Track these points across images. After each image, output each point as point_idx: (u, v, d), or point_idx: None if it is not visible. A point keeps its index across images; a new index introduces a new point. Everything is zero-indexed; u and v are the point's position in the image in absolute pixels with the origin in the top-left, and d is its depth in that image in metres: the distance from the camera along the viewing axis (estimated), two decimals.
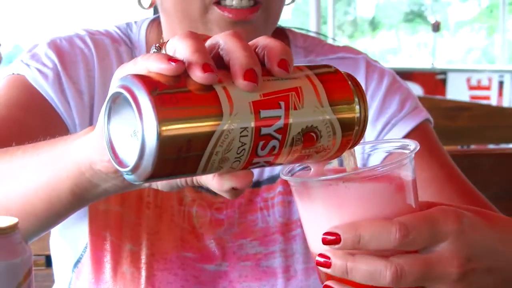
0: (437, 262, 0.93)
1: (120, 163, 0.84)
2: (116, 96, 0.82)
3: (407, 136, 1.52)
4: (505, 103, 9.78)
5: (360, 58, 1.62)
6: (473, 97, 9.91)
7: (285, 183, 1.50)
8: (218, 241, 1.43)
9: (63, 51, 1.50)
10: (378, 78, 1.59)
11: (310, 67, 0.93)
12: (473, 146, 4.94)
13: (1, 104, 1.44)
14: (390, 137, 1.53)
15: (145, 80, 0.79)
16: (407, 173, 0.99)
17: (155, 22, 1.61)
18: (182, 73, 0.82)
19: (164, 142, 0.77)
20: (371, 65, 1.61)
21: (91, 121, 1.48)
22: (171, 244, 1.46)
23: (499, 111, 5.96)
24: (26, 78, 1.46)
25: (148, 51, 1.52)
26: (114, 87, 0.82)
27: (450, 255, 0.94)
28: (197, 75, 0.79)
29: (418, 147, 0.99)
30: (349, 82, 0.94)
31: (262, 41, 0.88)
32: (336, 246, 0.91)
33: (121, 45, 1.57)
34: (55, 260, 1.61)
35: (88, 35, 1.55)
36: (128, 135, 0.80)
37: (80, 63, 1.50)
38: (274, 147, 0.87)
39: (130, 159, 0.80)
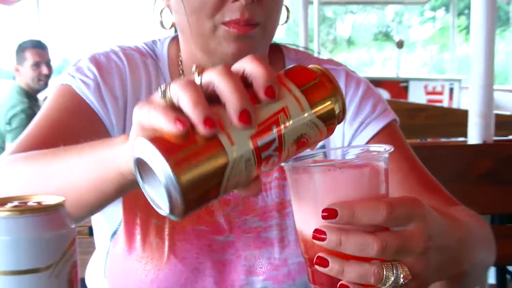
0: (410, 237, 0.94)
1: (159, 207, 0.85)
2: (140, 160, 0.83)
3: (378, 133, 1.53)
4: (455, 105, 9.83)
5: (341, 70, 1.61)
6: (429, 101, 9.97)
7: (281, 170, 1.51)
8: (227, 217, 1.44)
9: (101, 64, 1.50)
10: (355, 86, 1.58)
11: (288, 74, 0.93)
12: (429, 140, 4.93)
13: (52, 109, 1.44)
14: (365, 134, 1.54)
15: (160, 145, 0.81)
16: (385, 164, 1.01)
17: (175, 39, 1.60)
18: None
19: (185, 189, 0.80)
20: (349, 75, 1.60)
21: (124, 122, 1.49)
22: (189, 219, 1.46)
23: (450, 112, 5.99)
24: (72, 87, 1.46)
25: (169, 63, 1.57)
26: (136, 150, 0.85)
27: (418, 233, 0.95)
28: (201, 131, 0.81)
29: (393, 149, 1.00)
30: (323, 80, 0.94)
31: (249, 66, 0.88)
32: (334, 220, 0.91)
33: (147, 58, 1.57)
34: (95, 231, 1.61)
35: (121, 50, 1.55)
36: (160, 185, 0.80)
37: (115, 74, 1.50)
38: (274, 161, 0.89)
39: (165, 205, 0.82)
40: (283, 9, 1.50)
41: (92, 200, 1.13)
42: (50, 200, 0.82)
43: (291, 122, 0.88)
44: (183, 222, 1.46)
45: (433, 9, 43.49)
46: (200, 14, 1.37)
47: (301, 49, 1.72)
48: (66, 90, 1.48)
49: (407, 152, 1.55)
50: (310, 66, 0.96)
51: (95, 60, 1.51)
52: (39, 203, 0.82)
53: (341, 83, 1.56)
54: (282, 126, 0.87)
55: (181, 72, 1.57)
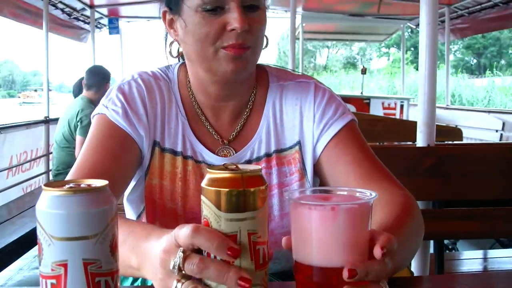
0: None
1: None
2: None
3: (340, 131, 1.53)
4: (404, 117, 9.89)
5: (311, 82, 1.61)
6: (385, 114, 10.00)
7: (268, 161, 1.54)
8: None
9: (125, 93, 1.53)
10: (321, 95, 1.58)
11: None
12: (385, 143, 4.92)
13: (95, 137, 1.48)
14: (329, 133, 1.53)
15: None
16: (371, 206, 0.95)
17: (183, 65, 1.62)
18: None
19: None
20: (317, 86, 1.60)
21: (149, 131, 1.52)
22: (196, 202, 1.47)
23: (401, 122, 6.01)
24: (106, 116, 1.50)
25: (179, 84, 1.59)
26: None
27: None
28: None
29: (376, 196, 0.95)
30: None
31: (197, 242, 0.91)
32: (355, 278, 0.89)
33: (161, 80, 1.58)
34: (126, 213, 1.63)
35: (139, 77, 1.57)
36: None
37: (137, 98, 1.52)
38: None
39: None
40: (264, 38, 1.50)
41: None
42: (97, 183, 0.81)
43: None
44: (192, 205, 1.49)
45: (388, 46, 44.18)
46: (204, 42, 1.39)
47: (281, 67, 1.72)
48: (102, 119, 1.51)
49: (364, 146, 1.55)
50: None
51: (121, 90, 1.54)
52: (89, 185, 0.80)
53: (311, 93, 1.58)
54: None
55: (189, 89, 1.58)
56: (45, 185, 0.78)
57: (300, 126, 1.56)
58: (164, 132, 1.53)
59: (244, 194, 0.88)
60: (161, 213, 1.50)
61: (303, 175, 1.55)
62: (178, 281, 0.91)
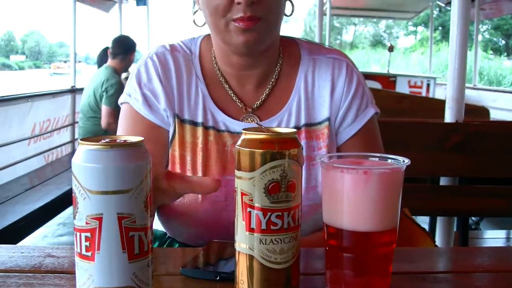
0: None
1: None
2: None
3: (363, 126, 1.57)
4: (430, 96, 9.80)
5: (344, 62, 1.60)
6: (411, 92, 9.91)
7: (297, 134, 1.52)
8: None
9: (141, 77, 1.56)
10: (353, 79, 1.58)
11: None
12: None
13: (122, 129, 1.56)
14: (353, 126, 1.57)
15: None
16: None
17: (208, 36, 1.63)
18: None
19: None
20: (349, 67, 1.59)
21: (170, 103, 1.53)
22: (217, 171, 1.49)
23: (427, 100, 5.96)
24: (130, 105, 1.54)
25: (200, 55, 1.60)
26: None
27: None
28: None
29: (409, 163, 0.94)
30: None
31: None
32: None
33: (179, 52, 1.59)
34: None
35: (155, 54, 1.58)
36: None
37: (153, 77, 1.55)
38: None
39: None
40: (288, 4, 1.51)
41: None
42: (132, 139, 0.82)
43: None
44: (213, 174, 1.49)
45: (415, 25, 43.60)
46: (215, 15, 1.41)
47: (311, 41, 1.69)
48: (127, 108, 1.56)
49: (379, 145, 1.61)
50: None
51: (138, 75, 1.56)
52: (125, 141, 0.81)
53: (343, 73, 1.57)
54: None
55: (213, 59, 1.58)
56: (81, 139, 0.79)
57: (330, 103, 1.55)
58: (182, 103, 1.54)
59: (279, 155, 0.88)
60: None
61: (330, 151, 1.55)
62: None
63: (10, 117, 6.07)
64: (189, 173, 1.49)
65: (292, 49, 1.62)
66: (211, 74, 1.57)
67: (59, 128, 7.58)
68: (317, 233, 1.47)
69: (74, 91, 7.83)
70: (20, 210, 4.57)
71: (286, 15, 1.53)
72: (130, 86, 1.56)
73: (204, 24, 1.54)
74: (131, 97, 1.54)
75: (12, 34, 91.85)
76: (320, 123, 1.55)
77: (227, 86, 1.56)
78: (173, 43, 1.63)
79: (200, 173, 1.49)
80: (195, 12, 1.56)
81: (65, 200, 5.30)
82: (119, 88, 5.81)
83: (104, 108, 5.79)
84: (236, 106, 1.55)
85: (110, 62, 6.11)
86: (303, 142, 1.52)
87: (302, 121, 1.54)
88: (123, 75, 6.24)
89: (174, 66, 1.56)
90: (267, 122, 1.53)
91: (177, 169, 1.51)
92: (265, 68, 1.56)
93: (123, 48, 6.13)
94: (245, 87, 1.57)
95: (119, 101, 1.60)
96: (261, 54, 1.51)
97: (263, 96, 1.56)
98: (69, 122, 7.84)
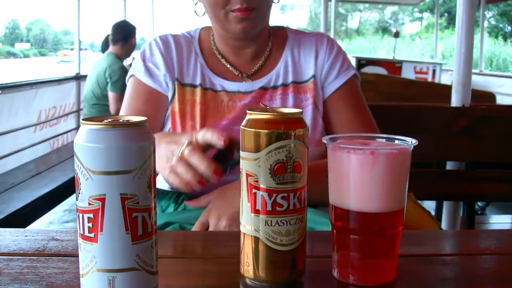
0: None
1: None
2: None
3: (345, 83, 1.82)
4: (436, 82, 9.77)
5: (325, 35, 1.91)
6: (417, 78, 9.88)
7: (285, 89, 1.79)
8: (241, 116, 1.44)
9: (145, 52, 1.84)
10: (333, 45, 1.87)
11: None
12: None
13: (130, 98, 1.81)
14: (336, 82, 1.82)
15: None
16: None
17: (208, 27, 1.90)
18: None
19: None
20: (330, 38, 1.89)
21: (171, 75, 1.79)
22: (214, 119, 1.72)
23: (433, 85, 5.95)
24: (135, 76, 1.82)
25: (199, 39, 1.88)
26: None
27: None
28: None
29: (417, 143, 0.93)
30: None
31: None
32: None
33: (181, 37, 1.87)
34: None
35: (158, 37, 1.86)
36: None
37: (155, 52, 1.82)
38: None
39: None
40: None
41: None
42: (135, 119, 0.80)
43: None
44: (211, 121, 1.72)
45: (421, 11, 43.48)
46: (216, 7, 1.67)
47: (301, 29, 2.02)
48: (132, 80, 1.83)
49: (360, 102, 1.83)
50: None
51: (142, 52, 1.84)
52: (127, 120, 0.80)
53: (324, 41, 1.86)
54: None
55: (212, 40, 1.85)
56: (84, 119, 0.78)
57: (315, 63, 1.82)
58: (182, 71, 1.79)
59: (284, 135, 0.87)
60: (182, 129, 1.74)
61: (316, 104, 1.78)
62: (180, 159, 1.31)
63: (16, 104, 6.07)
64: (188, 124, 1.73)
65: (280, 33, 1.91)
66: (209, 51, 1.84)
67: (65, 115, 7.59)
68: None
69: (79, 78, 7.83)
70: (26, 196, 4.58)
71: (274, 2, 1.78)
72: (135, 62, 1.84)
73: (204, 14, 1.79)
74: (135, 70, 1.81)
75: (16, 22, 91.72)
76: (306, 81, 1.81)
77: (223, 60, 1.83)
78: (180, 32, 1.90)
79: (198, 123, 1.71)
80: (195, 4, 1.80)
81: (71, 187, 5.29)
82: (123, 73, 5.85)
83: (111, 95, 5.80)
84: (232, 73, 1.81)
85: (111, 48, 6.14)
86: (291, 96, 1.78)
87: (290, 80, 1.80)
88: (127, 60, 6.28)
89: (175, 44, 1.82)
90: (257, 82, 1.79)
91: (177, 122, 1.74)
92: (257, 46, 1.83)
93: (123, 34, 6.15)
94: (240, 60, 1.83)
95: (126, 80, 1.86)
96: (254, 36, 1.78)
97: (258, 65, 1.83)
98: (74, 109, 7.85)
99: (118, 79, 5.82)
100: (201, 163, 1.27)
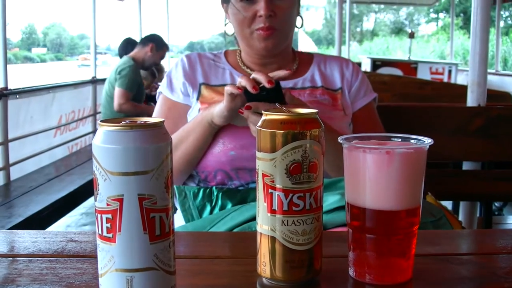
0: None
1: None
2: None
3: (370, 102, 1.98)
4: (452, 82, 9.73)
5: (350, 61, 2.05)
6: (433, 79, 9.83)
7: (313, 90, 1.90)
8: None
9: (171, 71, 1.98)
10: (358, 70, 2.02)
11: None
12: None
13: (159, 114, 1.94)
14: (364, 99, 1.97)
15: None
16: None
17: (231, 50, 2.04)
18: None
19: None
20: (354, 63, 2.04)
21: (194, 90, 1.91)
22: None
23: (449, 85, 5.93)
24: (163, 94, 1.95)
25: (226, 57, 2.00)
26: None
27: None
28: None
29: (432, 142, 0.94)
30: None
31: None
32: None
33: (206, 54, 2.02)
34: None
35: (185, 56, 2.00)
36: None
37: (181, 72, 1.95)
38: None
39: None
40: (298, 18, 1.93)
41: (195, 153, 1.75)
42: (153, 120, 0.81)
43: None
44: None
45: (436, 12, 43.26)
46: (242, 25, 1.84)
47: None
48: (162, 97, 1.96)
49: (378, 121, 1.98)
50: None
51: (169, 72, 1.98)
52: (145, 122, 0.80)
53: (350, 64, 2.01)
54: None
55: (238, 57, 1.98)
56: (101, 121, 0.78)
57: (341, 79, 1.96)
58: (209, 77, 1.92)
59: (300, 135, 0.87)
60: None
61: (345, 112, 1.89)
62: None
63: (32, 108, 6.10)
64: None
65: (304, 55, 2.04)
66: (235, 65, 1.96)
67: (84, 118, 7.63)
68: None
69: (95, 81, 7.87)
70: (44, 200, 4.60)
71: (297, 27, 1.94)
72: (164, 79, 1.97)
73: (233, 34, 1.94)
74: (163, 87, 1.95)
75: (33, 26, 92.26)
76: (335, 90, 1.94)
77: (249, 70, 1.93)
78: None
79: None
80: (226, 24, 1.97)
81: (88, 190, 5.32)
82: (132, 70, 5.94)
83: (117, 90, 5.82)
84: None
85: (130, 53, 6.22)
86: (319, 96, 1.89)
87: (319, 84, 1.92)
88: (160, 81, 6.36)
89: (200, 60, 1.96)
90: (285, 83, 1.83)
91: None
92: (282, 62, 1.94)
93: (144, 39, 6.29)
94: (266, 72, 1.79)
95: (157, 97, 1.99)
96: (277, 54, 1.91)
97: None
98: (91, 112, 7.89)
99: (125, 75, 5.86)
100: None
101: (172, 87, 1.92)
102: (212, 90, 1.88)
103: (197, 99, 1.88)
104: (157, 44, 6.26)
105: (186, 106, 1.90)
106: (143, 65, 6.30)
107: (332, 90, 1.93)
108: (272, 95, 1.55)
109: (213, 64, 1.96)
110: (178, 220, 1.73)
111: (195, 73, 1.92)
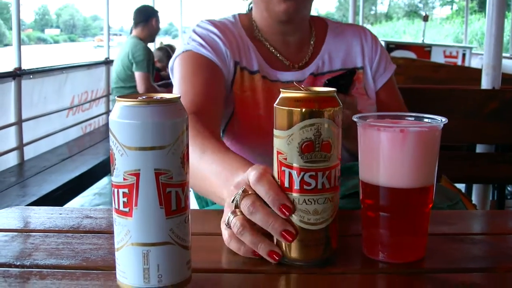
0: None
1: None
2: None
3: (391, 76, 1.87)
4: (466, 65, 9.66)
5: (366, 29, 1.93)
6: (447, 62, 9.78)
7: (332, 74, 1.75)
8: None
9: (199, 31, 1.74)
10: (377, 41, 1.90)
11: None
12: None
13: (188, 74, 1.65)
14: (385, 75, 1.86)
15: None
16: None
17: (242, 14, 1.87)
18: None
19: None
20: (372, 34, 1.91)
21: (229, 51, 1.70)
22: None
23: (463, 69, 5.90)
24: (192, 50, 1.68)
25: (243, 27, 1.80)
26: None
27: None
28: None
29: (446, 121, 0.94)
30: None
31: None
32: None
33: (222, 20, 1.80)
34: None
35: (203, 21, 1.78)
36: None
37: (211, 32, 1.73)
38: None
39: None
40: None
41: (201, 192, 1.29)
42: (169, 96, 0.82)
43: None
44: None
45: None
46: None
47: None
48: (187, 55, 1.68)
49: (399, 92, 1.91)
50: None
51: (195, 30, 1.74)
52: (161, 97, 0.81)
53: (369, 35, 1.89)
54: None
55: (255, 28, 1.80)
56: (118, 96, 0.79)
57: (361, 55, 1.84)
58: (240, 53, 1.72)
59: (313, 114, 0.88)
60: (244, 123, 1.69)
61: (367, 94, 1.81)
62: (233, 213, 0.95)
63: (46, 89, 6.13)
64: (251, 111, 1.68)
65: (319, 22, 1.90)
66: (255, 39, 1.79)
67: (97, 99, 7.66)
68: None
69: (108, 62, 7.89)
70: (57, 179, 4.64)
71: None
72: (188, 39, 1.73)
73: (250, 2, 1.84)
74: (189, 45, 1.70)
75: (46, 8, 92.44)
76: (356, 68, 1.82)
77: (272, 48, 1.78)
78: (220, 18, 1.84)
79: (262, 110, 1.67)
80: None
81: (101, 170, 5.36)
82: (147, 52, 6.01)
83: (138, 74, 5.85)
84: (281, 63, 1.77)
85: (133, 32, 6.23)
86: None
87: (337, 66, 1.80)
88: (156, 44, 6.32)
89: (227, 29, 1.76)
90: (306, 70, 1.77)
91: (239, 108, 1.69)
92: (302, 34, 1.81)
93: (142, 16, 6.27)
94: (288, 50, 1.80)
95: (170, 64, 1.75)
96: (297, 23, 1.77)
97: (307, 57, 1.80)
98: (104, 93, 7.91)
99: (143, 59, 5.91)
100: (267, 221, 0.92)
101: (213, 47, 1.69)
102: (241, 75, 1.72)
103: (232, 81, 1.71)
104: (155, 15, 6.35)
105: (221, 70, 1.68)
106: (151, 40, 6.45)
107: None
108: (343, 83, 1.50)
109: (237, 34, 1.77)
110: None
111: (228, 40, 1.73)
